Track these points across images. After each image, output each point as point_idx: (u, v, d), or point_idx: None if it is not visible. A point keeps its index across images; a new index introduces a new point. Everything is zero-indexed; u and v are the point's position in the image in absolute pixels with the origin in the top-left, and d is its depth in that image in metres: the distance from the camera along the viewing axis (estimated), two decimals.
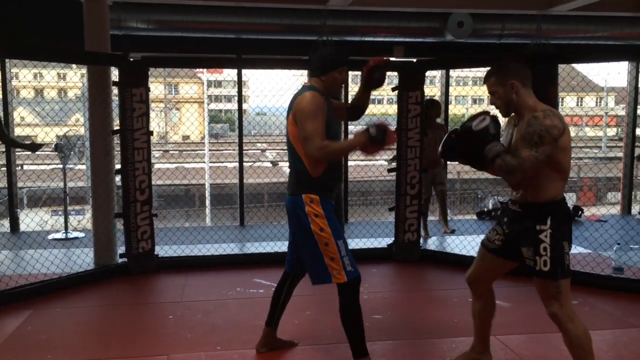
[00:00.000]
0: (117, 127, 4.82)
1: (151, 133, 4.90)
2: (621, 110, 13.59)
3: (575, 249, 5.49)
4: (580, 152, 15.36)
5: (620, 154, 8.10)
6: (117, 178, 4.88)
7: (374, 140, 2.72)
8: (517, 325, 3.64)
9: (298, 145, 2.83)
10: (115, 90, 4.86)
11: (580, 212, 7.13)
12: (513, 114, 2.65)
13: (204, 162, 12.72)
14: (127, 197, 4.78)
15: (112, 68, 4.93)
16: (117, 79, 4.79)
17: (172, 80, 22.77)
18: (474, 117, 2.59)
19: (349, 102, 3.26)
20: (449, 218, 6.40)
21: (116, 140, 4.92)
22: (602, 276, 4.51)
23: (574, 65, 6.36)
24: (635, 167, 8.02)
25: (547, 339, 3.49)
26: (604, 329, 3.66)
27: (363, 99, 3.16)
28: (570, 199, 11.55)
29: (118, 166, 4.84)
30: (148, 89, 4.84)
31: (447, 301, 4.21)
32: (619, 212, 7.79)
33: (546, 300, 2.61)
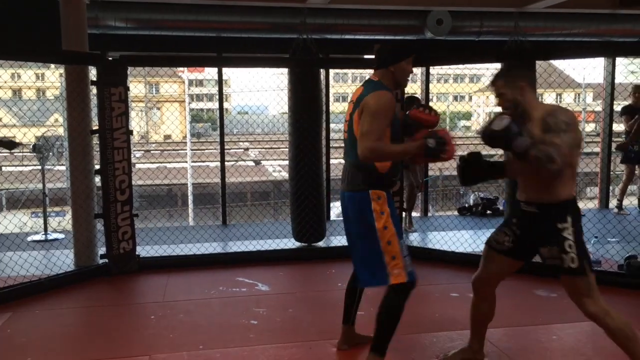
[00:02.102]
0: (96, 127, 4.77)
1: (131, 132, 4.86)
2: (598, 106, 13.83)
3: None
4: None
5: (598, 149, 8.22)
6: (97, 178, 4.83)
7: (428, 152, 2.65)
8: (497, 319, 3.64)
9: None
10: (94, 90, 4.81)
11: None
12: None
13: (186, 162, 12.65)
14: (107, 198, 4.74)
15: (90, 67, 4.88)
16: (95, 79, 4.74)
17: (153, 80, 22.59)
18: (491, 121, 2.59)
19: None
20: (420, 216, 6.43)
21: (95, 140, 4.87)
22: None
23: (552, 62, 6.45)
24: (613, 162, 8.15)
25: (527, 331, 3.54)
26: (582, 321, 3.69)
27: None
28: None
29: (97, 166, 4.79)
30: (127, 88, 4.80)
31: (428, 296, 4.24)
32: (597, 207, 7.91)
33: (579, 299, 2.62)
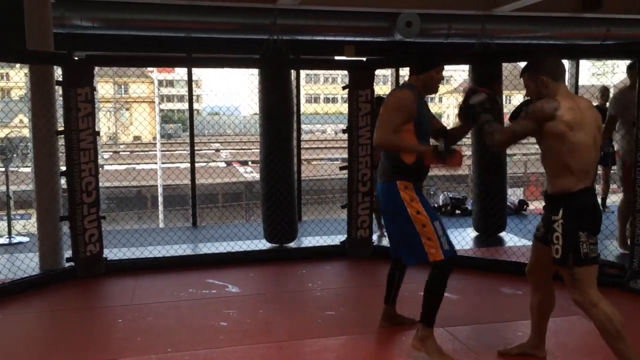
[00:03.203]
0: (62, 128, 4.68)
1: (98, 134, 4.79)
2: None
3: (520, 241, 5.70)
4: (523, 148, 15.88)
5: None
6: (63, 180, 4.74)
7: (437, 154, 2.98)
8: (464, 317, 3.74)
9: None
10: (60, 90, 4.72)
11: (525, 206, 7.38)
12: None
13: (156, 163, 12.49)
14: (73, 200, 4.65)
15: (56, 67, 4.79)
16: (61, 79, 4.66)
17: (121, 80, 22.25)
18: (475, 93, 2.95)
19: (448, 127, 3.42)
20: None
21: (61, 141, 4.78)
22: None
23: (519, 64, 6.59)
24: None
25: (494, 329, 3.61)
26: None
27: (458, 135, 3.27)
28: (516, 193, 11.93)
29: (63, 168, 4.70)
30: (94, 89, 4.72)
31: (399, 295, 4.27)
32: None
33: (568, 287, 2.72)
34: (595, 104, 6.94)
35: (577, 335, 3.52)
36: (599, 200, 7.19)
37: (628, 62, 5.10)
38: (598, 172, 7.30)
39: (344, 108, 5.39)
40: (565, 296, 4.19)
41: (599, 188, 7.31)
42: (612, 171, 7.20)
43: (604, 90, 7.04)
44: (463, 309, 3.92)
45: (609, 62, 13.56)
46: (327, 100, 32.44)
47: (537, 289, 3.04)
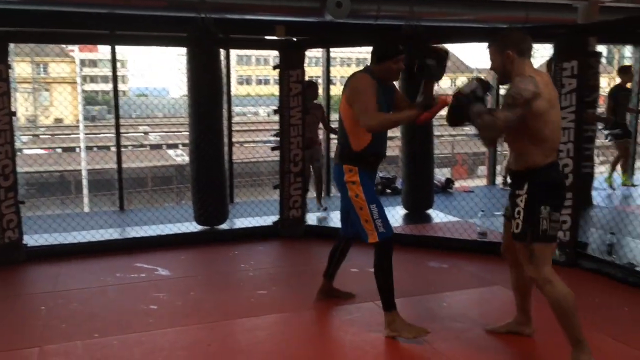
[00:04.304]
0: None
1: (13, 114, 4.53)
2: None
3: (446, 217, 5.92)
4: (452, 129, 16.40)
5: None
6: None
7: (423, 107, 2.98)
8: (395, 290, 3.83)
9: (347, 122, 3.14)
10: None
11: (451, 184, 7.65)
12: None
13: (80, 147, 11.96)
14: None
15: None
16: None
17: (41, 59, 21.04)
18: (464, 85, 2.78)
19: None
20: (322, 195, 6.53)
21: None
22: (469, 241, 4.90)
23: (448, 48, 6.74)
24: (499, 144, 8.73)
25: (420, 300, 3.74)
26: (471, 288, 4.00)
27: (426, 98, 3.12)
28: (443, 173, 12.33)
29: None
30: (8, 66, 4.45)
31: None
32: (486, 184, 8.46)
33: (523, 263, 2.72)
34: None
35: (497, 304, 3.71)
36: (502, 179, 7.62)
37: (547, 45, 5.35)
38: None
39: (277, 90, 5.35)
40: (485, 268, 4.42)
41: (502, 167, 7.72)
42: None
43: (626, 69, 7.34)
44: (395, 282, 4.03)
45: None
46: (259, 81, 32.10)
47: (513, 267, 3.02)
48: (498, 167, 8.22)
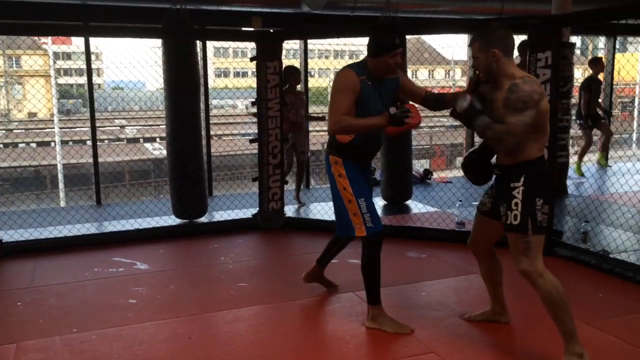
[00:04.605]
0: None
1: None
2: (464, 82, 14.87)
3: (424, 208, 5.97)
4: (430, 121, 16.53)
5: None
6: None
7: (394, 120, 2.87)
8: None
9: None
10: None
11: (429, 175, 7.72)
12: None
13: (54, 141, 11.77)
14: None
15: None
16: None
17: (13, 52, 20.59)
18: (457, 100, 2.72)
19: (434, 92, 3.21)
20: (302, 188, 6.50)
21: None
22: (447, 231, 4.95)
23: (425, 40, 6.79)
24: (477, 135, 8.83)
25: (398, 290, 3.77)
26: (449, 277, 4.05)
27: (451, 102, 3.03)
28: (422, 164, 12.42)
29: None
30: None
31: (309, 264, 4.30)
32: (463, 174, 8.54)
33: (516, 257, 2.66)
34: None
35: (475, 292, 3.76)
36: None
37: (523, 37, 5.41)
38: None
39: (255, 82, 5.31)
40: (463, 257, 4.48)
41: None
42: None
43: (597, 60, 7.53)
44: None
45: None
46: (237, 74, 31.88)
47: (482, 260, 3.05)
48: None
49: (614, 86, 9.04)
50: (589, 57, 12.33)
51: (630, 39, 13.74)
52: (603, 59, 7.84)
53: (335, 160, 3.11)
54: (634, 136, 12.59)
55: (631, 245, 4.51)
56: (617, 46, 9.23)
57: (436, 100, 3.11)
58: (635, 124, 13.29)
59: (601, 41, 10.19)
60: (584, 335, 2.74)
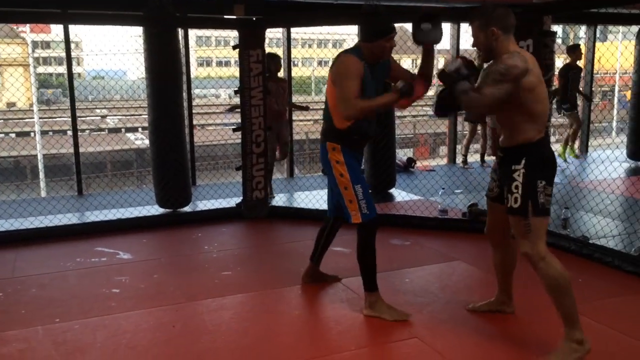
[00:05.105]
0: None
1: None
2: None
3: (408, 196, 6.01)
4: (414, 110, 16.57)
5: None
6: None
7: (403, 93, 2.95)
8: (357, 268, 3.86)
9: (331, 102, 3.06)
10: None
11: (413, 163, 7.76)
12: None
13: (34, 131, 11.58)
14: None
15: None
16: None
17: None
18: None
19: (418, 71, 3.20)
20: (286, 177, 6.49)
21: None
22: (430, 218, 4.99)
23: (409, 28, 6.81)
24: (460, 123, 8.88)
25: (383, 277, 3.75)
26: (432, 264, 4.09)
27: (425, 66, 3.11)
28: (406, 153, 12.47)
29: None
30: None
31: (293, 253, 4.37)
32: (446, 162, 8.61)
33: (518, 239, 2.65)
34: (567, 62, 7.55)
35: (457, 279, 3.81)
36: (461, 158, 7.84)
37: None
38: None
39: (238, 71, 5.27)
40: (446, 244, 4.52)
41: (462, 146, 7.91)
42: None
43: (574, 47, 7.63)
44: (355, 260, 4.08)
45: None
46: (220, 63, 31.61)
47: (497, 248, 3.02)
48: (458, 147, 8.36)
49: (594, 75, 9.12)
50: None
51: (610, 27, 13.88)
52: (582, 47, 7.92)
53: (333, 147, 3.09)
54: (614, 124, 12.77)
55: (610, 231, 4.58)
56: (598, 35, 9.31)
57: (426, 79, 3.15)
58: (615, 112, 13.47)
59: (582, 30, 10.28)
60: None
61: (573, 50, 7.61)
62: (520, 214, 2.61)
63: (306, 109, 6.57)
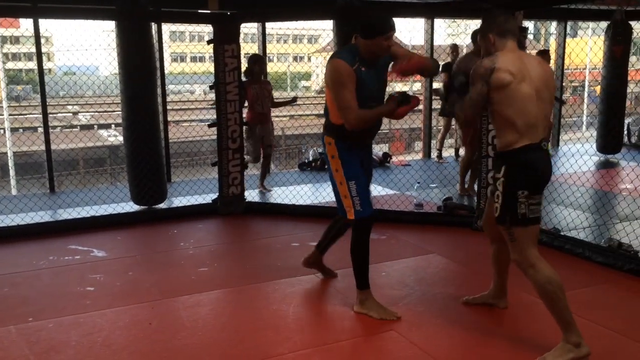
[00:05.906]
0: None
1: None
2: None
3: (384, 191, 6.05)
4: None
5: (421, 107, 8.94)
6: None
7: (400, 102, 2.96)
8: (334, 262, 3.87)
9: (328, 99, 3.03)
10: None
11: (388, 158, 7.81)
12: None
13: (4, 128, 11.33)
14: None
15: None
16: None
17: None
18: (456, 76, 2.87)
19: None
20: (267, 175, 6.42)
21: None
22: (406, 212, 5.04)
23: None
24: (435, 118, 8.97)
25: None
26: (408, 257, 4.13)
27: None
28: (381, 148, 12.54)
29: None
30: None
31: (270, 248, 4.38)
32: (422, 157, 8.69)
33: (509, 245, 2.67)
34: (447, 60, 7.52)
35: (432, 271, 3.86)
36: (436, 152, 7.90)
37: (478, 23, 5.50)
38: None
39: (213, 67, 5.24)
40: (421, 238, 4.57)
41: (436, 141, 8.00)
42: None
43: (454, 47, 7.65)
44: (332, 254, 4.09)
45: (462, 24, 14.56)
46: (194, 59, 31.29)
47: (494, 241, 3.01)
48: (433, 142, 8.45)
49: (564, 70, 9.30)
50: (542, 42, 12.62)
51: (580, 23, 14.16)
52: (550, 52, 8.04)
53: (329, 141, 3.07)
54: (584, 119, 13.04)
55: (580, 223, 4.69)
56: (568, 31, 9.49)
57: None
58: (585, 106, 13.75)
59: (553, 26, 10.46)
60: (537, 310, 2.84)
61: (542, 55, 7.73)
62: (501, 223, 2.64)
63: (294, 100, 6.46)
